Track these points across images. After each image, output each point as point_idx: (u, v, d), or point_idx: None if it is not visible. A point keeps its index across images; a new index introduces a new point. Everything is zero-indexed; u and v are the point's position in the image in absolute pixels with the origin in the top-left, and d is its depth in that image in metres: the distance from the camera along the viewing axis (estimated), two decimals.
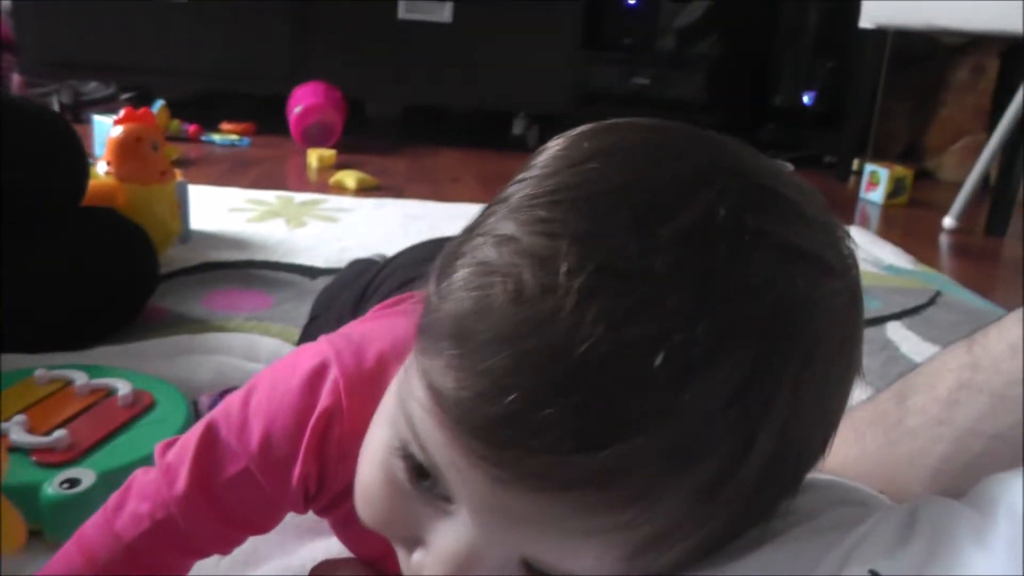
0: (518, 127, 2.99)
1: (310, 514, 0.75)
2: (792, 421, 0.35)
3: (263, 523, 0.60)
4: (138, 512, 0.56)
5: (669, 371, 0.32)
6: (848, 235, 0.39)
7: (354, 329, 0.61)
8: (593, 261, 0.33)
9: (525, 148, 2.80)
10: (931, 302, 1.55)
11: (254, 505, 0.57)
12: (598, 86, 3.13)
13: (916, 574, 0.35)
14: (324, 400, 0.53)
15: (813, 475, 0.41)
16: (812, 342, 0.35)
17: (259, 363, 1.03)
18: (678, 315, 0.32)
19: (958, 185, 2.25)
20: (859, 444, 0.64)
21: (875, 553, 0.36)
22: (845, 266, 0.38)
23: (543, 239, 0.34)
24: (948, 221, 2.18)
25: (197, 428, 0.57)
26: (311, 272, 1.43)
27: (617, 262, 0.33)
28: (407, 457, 0.40)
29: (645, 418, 0.32)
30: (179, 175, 1.47)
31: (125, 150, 1.36)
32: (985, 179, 2.27)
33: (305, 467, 0.54)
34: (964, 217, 2.19)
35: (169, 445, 0.59)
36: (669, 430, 0.32)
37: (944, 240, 2.14)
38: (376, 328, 0.59)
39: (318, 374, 0.54)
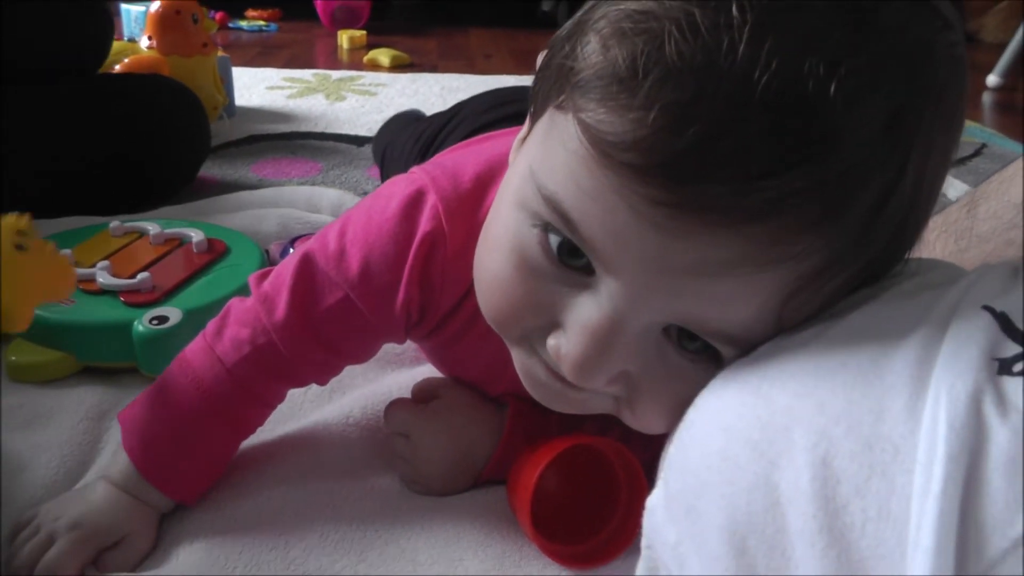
0: (547, 4, 2.93)
1: (394, 346, 0.77)
2: (927, 154, 0.37)
3: (362, 351, 0.61)
4: (239, 337, 0.58)
5: (843, 96, 0.33)
6: None
7: (444, 158, 0.60)
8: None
9: (555, 25, 2.75)
10: (977, 153, 1.54)
11: (354, 333, 0.58)
12: None
13: None
14: (424, 225, 0.53)
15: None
16: (941, 84, 0.37)
17: (323, 214, 1.05)
18: (841, 47, 0.34)
19: (1000, 46, 2.21)
20: (927, 253, 0.65)
21: (987, 294, 0.37)
22: (958, 22, 0.38)
23: None
24: (992, 79, 2.14)
25: (292, 259, 0.58)
26: (357, 140, 1.43)
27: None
28: (547, 233, 0.41)
29: (826, 139, 0.34)
30: (220, 51, 1.47)
31: (166, 22, 1.35)
32: None
33: (408, 293, 0.54)
34: (1008, 75, 2.14)
35: (264, 276, 0.59)
36: (846, 150, 0.34)
37: (988, 98, 2.10)
38: (467, 154, 0.59)
39: (415, 201, 0.54)
